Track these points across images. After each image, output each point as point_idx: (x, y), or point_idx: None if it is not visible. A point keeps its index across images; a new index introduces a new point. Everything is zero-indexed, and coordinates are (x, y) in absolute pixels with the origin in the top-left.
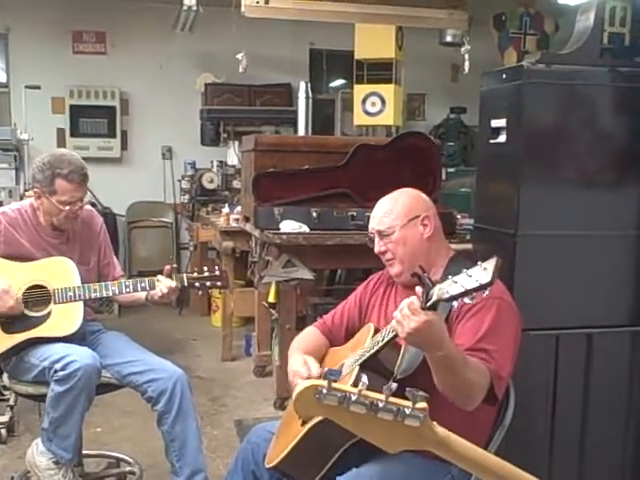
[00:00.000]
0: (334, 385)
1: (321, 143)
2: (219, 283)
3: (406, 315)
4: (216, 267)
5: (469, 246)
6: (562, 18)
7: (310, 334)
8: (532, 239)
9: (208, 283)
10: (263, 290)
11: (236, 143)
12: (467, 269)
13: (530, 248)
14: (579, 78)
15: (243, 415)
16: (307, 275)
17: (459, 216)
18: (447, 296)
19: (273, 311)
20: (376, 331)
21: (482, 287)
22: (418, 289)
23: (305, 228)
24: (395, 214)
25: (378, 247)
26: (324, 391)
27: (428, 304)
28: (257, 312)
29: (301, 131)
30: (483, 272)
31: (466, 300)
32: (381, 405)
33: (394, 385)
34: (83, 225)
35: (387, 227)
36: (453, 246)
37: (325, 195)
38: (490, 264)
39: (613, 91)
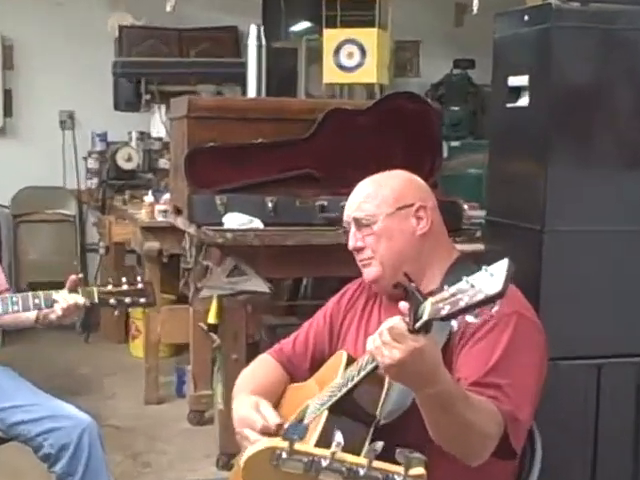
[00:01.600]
0: (297, 447)
1: (279, 108)
2: (142, 300)
3: (387, 342)
4: (138, 278)
5: (480, 246)
6: None
7: (263, 366)
8: (564, 236)
9: (127, 300)
10: (201, 308)
11: (163, 108)
12: (469, 275)
13: (561, 249)
14: (623, 20)
15: (175, 478)
16: (261, 287)
17: (466, 206)
18: (443, 313)
19: (214, 336)
20: (351, 361)
21: (489, 300)
22: (403, 305)
23: (257, 223)
24: (380, 199)
25: (353, 241)
26: (284, 455)
27: (417, 325)
28: (192, 337)
29: (251, 92)
30: (490, 279)
31: (469, 318)
32: (362, 472)
33: (379, 444)
34: None
35: (368, 214)
36: (459, 247)
37: (285, 178)
38: (499, 268)
39: None
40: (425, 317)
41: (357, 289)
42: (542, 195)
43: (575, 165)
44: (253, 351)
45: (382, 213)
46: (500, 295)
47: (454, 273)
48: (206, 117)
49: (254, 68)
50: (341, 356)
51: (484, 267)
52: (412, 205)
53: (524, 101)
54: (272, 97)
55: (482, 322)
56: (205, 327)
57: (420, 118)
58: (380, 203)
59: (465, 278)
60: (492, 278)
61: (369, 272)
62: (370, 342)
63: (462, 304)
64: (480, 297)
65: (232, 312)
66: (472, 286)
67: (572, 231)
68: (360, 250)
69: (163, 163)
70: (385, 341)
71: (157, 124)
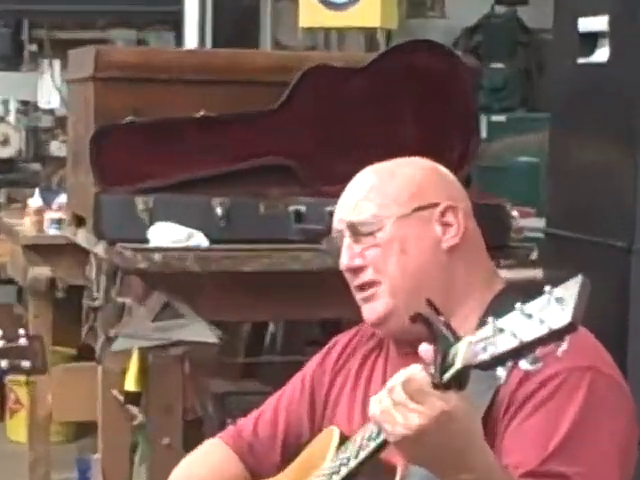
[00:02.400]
0: None
1: (233, 65)
2: (25, 364)
3: (400, 402)
4: (20, 331)
5: (537, 273)
6: None
7: (211, 457)
8: None
9: (3, 363)
10: (114, 367)
11: (57, 64)
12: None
13: None
14: None
15: None
16: (205, 335)
17: (516, 212)
18: (484, 358)
19: (135, 410)
20: (344, 440)
21: (555, 335)
22: (425, 348)
23: (200, 239)
24: (388, 195)
25: (348, 257)
26: None
27: (446, 377)
28: (102, 413)
29: (191, 40)
30: (555, 307)
31: (524, 365)
32: None
33: None
34: None
35: (370, 217)
36: (504, 273)
37: (242, 171)
38: (568, 290)
39: None
40: (458, 364)
41: (350, 341)
42: (631, 197)
43: None
44: (194, 433)
45: (391, 215)
46: (572, 327)
47: (497, 311)
48: (122, 78)
49: (195, 5)
50: (331, 434)
51: (547, 288)
52: (436, 205)
53: (603, 54)
54: (222, 49)
55: (541, 381)
56: (121, 397)
57: (445, 81)
58: (389, 201)
59: (519, 306)
60: (558, 304)
61: (374, 307)
62: (374, 404)
63: (514, 343)
64: (541, 332)
65: (162, 374)
66: (529, 316)
67: None
68: (358, 271)
69: (56, 148)
70: (397, 401)
71: (47, 89)
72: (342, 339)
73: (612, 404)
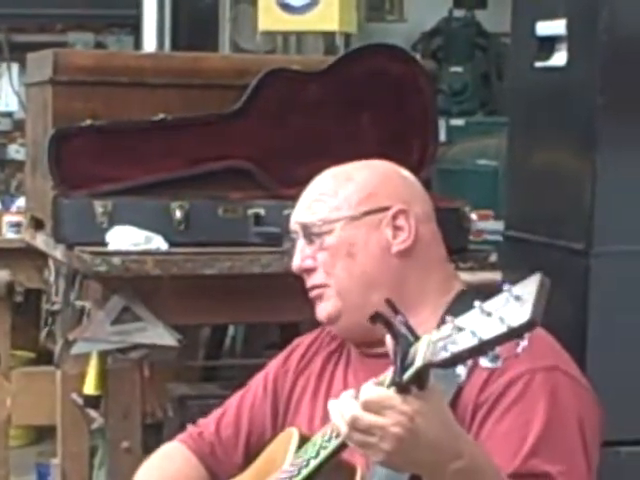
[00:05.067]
0: None
1: (191, 68)
2: None
3: (370, 426)
4: None
5: (495, 276)
6: None
7: (171, 460)
8: (622, 261)
9: None
10: (73, 371)
11: (15, 68)
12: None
13: (618, 278)
14: None
15: None
16: (164, 339)
17: (474, 215)
18: (444, 356)
19: (94, 413)
20: (304, 441)
21: (514, 333)
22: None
23: (159, 242)
24: (339, 197)
25: (299, 258)
26: None
27: (406, 376)
28: (61, 416)
29: (149, 44)
30: (514, 304)
31: (484, 362)
32: None
33: None
34: None
35: (320, 219)
36: (464, 276)
37: (201, 175)
38: (527, 287)
39: None
40: (419, 363)
41: (313, 343)
42: (589, 200)
43: (638, 156)
44: (154, 437)
45: (341, 219)
46: (531, 325)
47: (457, 312)
48: (81, 82)
49: (153, 8)
50: (290, 435)
51: (505, 287)
52: (387, 209)
53: (561, 58)
54: (181, 52)
55: (506, 385)
56: (80, 400)
57: (404, 84)
58: (339, 203)
59: (478, 304)
60: (517, 302)
61: (324, 307)
62: (338, 403)
63: (473, 341)
64: (500, 330)
65: (121, 377)
66: (488, 315)
67: (634, 253)
68: (309, 272)
69: (15, 151)
70: (366, 426)
71: (5, 93)
72: (304, 341)
73: (576, 401)
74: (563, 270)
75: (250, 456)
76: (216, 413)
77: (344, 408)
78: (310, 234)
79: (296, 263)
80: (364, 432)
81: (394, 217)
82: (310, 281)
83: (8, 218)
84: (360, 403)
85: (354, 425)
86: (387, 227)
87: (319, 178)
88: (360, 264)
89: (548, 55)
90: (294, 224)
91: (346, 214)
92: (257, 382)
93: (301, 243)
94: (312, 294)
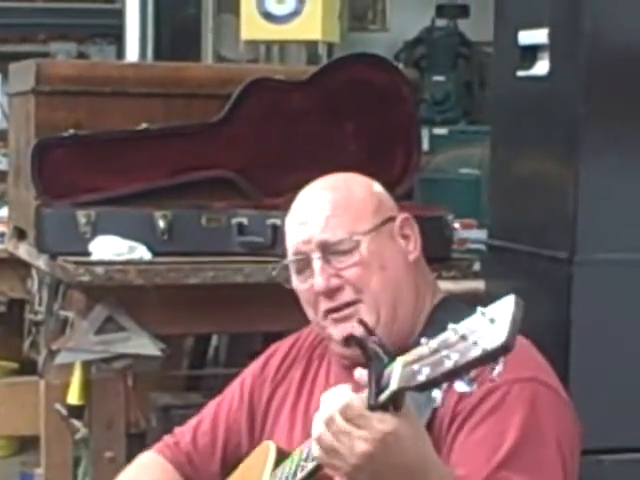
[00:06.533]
0: None
1: (174, 78)
2: None
3: (343, 431)
4: None
5: (478, 285)
6: None
7: (147, 471)
8: (604, 269)
9: None
10: (57, 381)
11: None
12: (457, 323)
13: (601, 286)
14: None
15: None
16: (148, 348)
17: (457, 224)
18: (420, 379)
19: (78, 423)
20: (283, 456)
21: (489, 357)
22: (360, 373)
23: (143, 252)
24: (354, 212)
25: (324, 279)
26: None
27: (381, 399)
28: (44, 427)
29: (132, 53)
30: (489, 327)
31: (460, 387)
32: None
33: None
34: None
35: (345, 235)
36: (447, 285)
37: (184, 184)
38: (502, 310)
39: None
40: (394, 386)
41: (291, 350)
42: (571, 208)
43: (620, 164)
44: (137, 447)
45: (364, 232)
46: (505, 349)
47: (436, 323)
48: (63, 92)
49: (136, 18)
50: (267, 450)
51: (480, 309)
52: (393, 219)
53: (543, 67)
54: (163, 61)
55: (483, 394)
56: (64, 410)
57: (387, 94)
58: (357, 218)
59: (452, 326)
60: (492, 325)
61: (349, 328)
62: (315, 445)
63: (448, 364)
64: (475, 353)
65: (105, 387)
66: (462, 338)
67: (616, 261)
68: (335, 292)
69: None
70: (340, 430)
71: None
72: (281, 347)
73: (554, 413)
74: (546, 278)
75: (227, 464)
76: (192, 422)
77: (330, 403)
78: (335, 252)
79: (320, 284)
80: (336, 435)
81: (401, 226)
82: (336, 300)
83: None
84: (341, 406)
85: (328, 424)
86: (398, 236)
87: (315, 194)
88: (392, 276)
89: (530, 64)
90: (305, 244)
91: (368, 227)
92: (233, 390)
93: (318, 265)
94: (337, 315)
